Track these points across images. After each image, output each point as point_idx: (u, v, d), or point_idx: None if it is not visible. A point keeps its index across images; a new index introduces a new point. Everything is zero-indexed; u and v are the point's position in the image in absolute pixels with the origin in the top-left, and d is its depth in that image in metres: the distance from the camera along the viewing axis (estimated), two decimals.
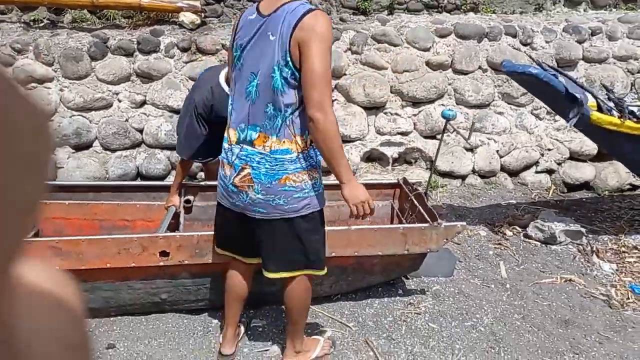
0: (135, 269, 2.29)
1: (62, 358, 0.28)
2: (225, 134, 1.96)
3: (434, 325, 2.55)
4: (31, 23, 4.47)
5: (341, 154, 1.82)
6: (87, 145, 4.11)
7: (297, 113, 1.80)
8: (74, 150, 4.08)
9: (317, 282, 2.53)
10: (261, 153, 1.83)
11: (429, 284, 2.89)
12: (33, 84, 4.00)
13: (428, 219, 2.54)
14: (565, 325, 2.58)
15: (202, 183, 3.06)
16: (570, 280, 2.97)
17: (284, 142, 1.81)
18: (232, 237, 2.11)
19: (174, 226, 2.78)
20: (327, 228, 2.19)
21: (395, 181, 3.15)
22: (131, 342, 2.34)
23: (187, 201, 2.91)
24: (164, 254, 2.28)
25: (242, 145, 1.87)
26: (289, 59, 1.71)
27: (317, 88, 1.68)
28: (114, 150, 4.11)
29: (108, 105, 4.12)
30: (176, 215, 2.84)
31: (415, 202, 2.75)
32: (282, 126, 1.80)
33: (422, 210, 2.65)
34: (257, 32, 1.79)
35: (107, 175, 4.03)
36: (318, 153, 1.89)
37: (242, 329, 2.41)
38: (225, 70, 2.53)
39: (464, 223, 2.69)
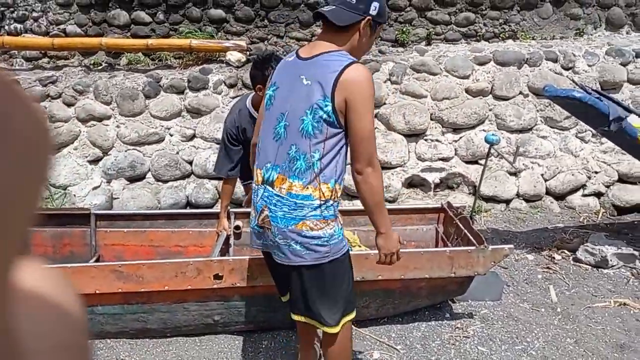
0: (191, 291, 2.41)
1: (60, 359, 0.28)
2: (254, 174, 1.94)
3: (484, 348, 2.52)
4: (91, 66, 4.84)
5: (383, 206, 1.83)
6: (141, 177, 4.34)
7: (325, 160, 1.75)
8: (128, 182, 4.32)
9: (364, 305, 2.57)
10: (278, 195, 1.79)
11: (477, 307, 2.87)
12: (93, 122, 4.30)
13: (475, 242, 2.54)
14: (620, 350, 2.50)
15: (250, 210, 3.17)
16: (624, 304, 2.88)
17: (307, 188, 1.76)
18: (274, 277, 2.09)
19: (224, 251, 2.89)
20: (372, 251, 2.23)
21: (439, 205, 3.17)
22: None
23: (237, 227, 3.03)
24: (217, 277, 2.39)
25: (265, 185, 1.84)
26: (329, 107, 1.70)
27: (366, 144, 1.72)
28: (165, 181, 4.33)
29: (160, 140, 4.36)
30: (226, 241, 2.96)
31: (461, 226, 2.76)
32: (308, 171, 1.75)
33: (468, 234, 2.65)
34: (292, 75, 1.80)
35: (159, 205, 4.23)
36: (338, 204, 1.86)
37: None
38: (253, 94, 2.75)
39: (512, 246, 2.67)
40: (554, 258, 3.43)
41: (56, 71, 4.65)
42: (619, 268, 3.26)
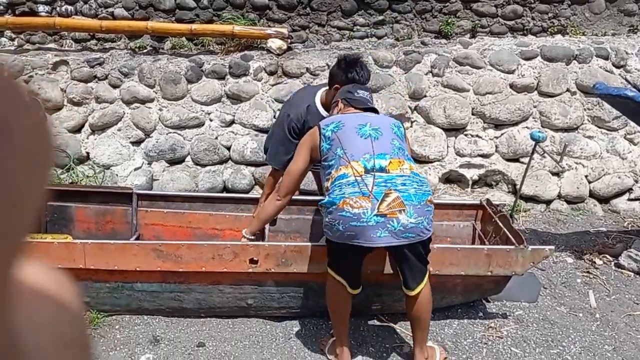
0: (227, 274, 2.45)
1: (61, 356, 0.28)
2: (343, 171, 2.09)
3: (517, 350, 2.48)
4: (136, 49, 4.94)
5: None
6: (181, 160, 4.43)
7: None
8: (168, 165, 4.41)
9: (397, 298, 2.55)
10: (403, 175, 2.05)
11: (511, 308, 2.81)
12: (137, 104, 4.40)
13: (514, 241, 2.49)
14: None
15: None
16: None
17: (418, 168, 2.30)
18: (352, 270, 2.21)
19: (259, 237, 2.93)
20: None
21: (478, 202, 3.11)
22: (219, 342, 2.49)
23: None
24: (253, 261, 2.42)
25: (374, 173, 2.04)
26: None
27: None
28: (204, 166, 4.40)
29: (200, 124, 4.43)
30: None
31: (500, 224, 2.70)
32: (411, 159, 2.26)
33: (507, 232, 2.59)
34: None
35: (197, 188, 4.31)
36: None
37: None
38: (321, 91, 2.71)
39: (552, 247, 2.60)
40: (594, 262, 3.32)
41: (103, 53, 4.77)
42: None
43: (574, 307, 2.84)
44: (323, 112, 2.68)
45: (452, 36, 4.97)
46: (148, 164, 4.39)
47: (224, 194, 3.94)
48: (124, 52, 4.85)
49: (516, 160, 4.28)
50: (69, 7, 5.09)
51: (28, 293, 0.28)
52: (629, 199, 4.24)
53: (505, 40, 4.72)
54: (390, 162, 2.03)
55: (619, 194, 4.23)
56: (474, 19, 5.01)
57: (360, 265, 2.21)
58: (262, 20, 5.01)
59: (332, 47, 4.88)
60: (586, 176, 4.23)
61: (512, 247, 2.45)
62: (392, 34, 5.07)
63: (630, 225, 3.98)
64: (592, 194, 4.24)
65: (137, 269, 2.40)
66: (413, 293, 2.18)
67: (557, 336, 2.58)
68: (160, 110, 4.41)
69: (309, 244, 2.46)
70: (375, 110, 2.37)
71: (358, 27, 5.07)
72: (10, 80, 0.22)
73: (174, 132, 4.41)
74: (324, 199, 2.11)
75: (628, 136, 4.30)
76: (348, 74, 2.53)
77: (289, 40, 4.79)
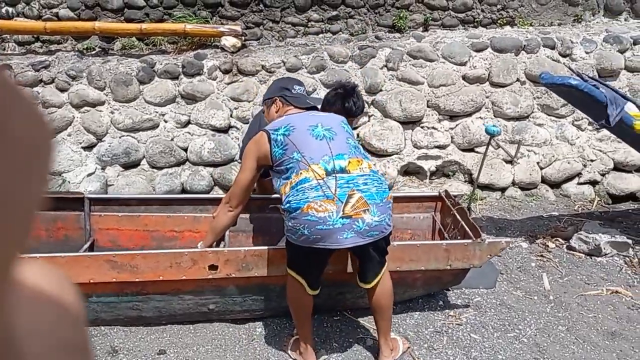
0: (186, 281, 2.40)
1: (59, 358, 0.28)
2: (304, 175, 2.08)
3: (476, 336, 2.54)
4: (84, 51, 4.78)
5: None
6: (136, 164, 4.32)
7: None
8: (123, 169, 4.30)
9: (360, 295, 2.57)
10: (363, 175, 2.07)
11: (470, 295, 2.88)
12: (87, 108, 4.26)
13: (471, 235, 2.54)
14: (612, 338, 2.52)
15: None
16: (616, 292, 2.90)
17: (375, 165, 2.31)
18: (314, 272, 2.21)
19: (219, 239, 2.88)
20: None
21: (437, 194, 3.16)
22: (180, 349, 2.44)
23: None
24: (212, 267, 2.38)
25: (336, 174, 2.05)
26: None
27: None
28: (160, 168, 4.30)
29: (155, 126, 4.33)
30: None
31: (458, 217, 2.76)
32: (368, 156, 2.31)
33: (465, 226, 2.65)
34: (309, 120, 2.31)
35: (155, 192, 4.21)
36: None
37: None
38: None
39: (509, 239, 2.67)
40: (548, 246, 3.44)
41: (49, 56, 4.60)
42: (612, 256, 3.28)
43: (529, 291, 2.94)
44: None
45: (405, 30, 5.03)
46: (102, 169, 4.26)
47: (181, 195, 3.87)
48: (71, 54, 4.68)
49: (471, 150, 4.38)
50: (10, 9, 4.87)
51: (28, 295, 0.28)
52: (579, 183, 4.41)
53: (457, 33, 4.81)
54: (350, 162, 2.03)
55: (569, 179, 4.40)
56: (426, 13, 5.08)
57: (324, 267, 2.21)
58: (214, 17, 4.93)
59: (287, 44, 4.86)
60: (538, 163, 4.38)
61: (470, 241, 2.50)
62: (346, 29, 5.09)
63: (580, 208, 4.15)
64: (544, 180, 4.39)
65: (91, 281, 2.32)
66: (370, 286, 2.22)
67: (514, 320, 2.66)
68: (112, 113, 4.29)
69: (269, 247, 2.44)
70: (316, 108, 2.36)
71: (312, 23, 5.06)
72: (7, 80, 0.22)
73: (127, 135, 4.29)
74: (285, 204, 2.09)
75: (576, 123, 4.47)
76: (345, 104, 2.53)
77: (243, 38, 4.74)
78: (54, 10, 4.88)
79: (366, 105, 4.32)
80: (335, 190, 1.96)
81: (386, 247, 2.21)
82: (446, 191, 3.11)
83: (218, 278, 2.41)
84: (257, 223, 3.11)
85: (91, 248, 2.90)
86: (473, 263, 2.53)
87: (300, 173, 2.06)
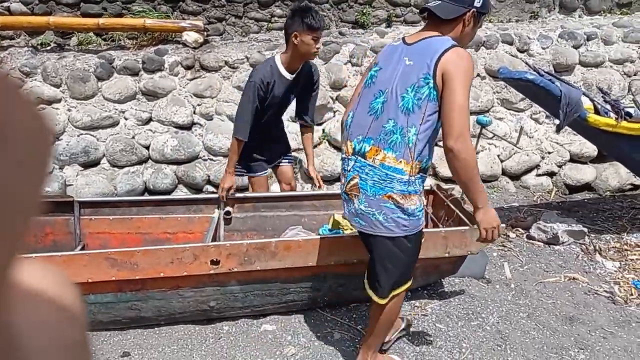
0: (187, 277, 2.34)
1: (59, 357, 0.28)
2: (343, 146, 2.05)
3: (441, 325, 2.59)
4: (39, 47, 4.61)
5: (477, 181, 1.84)
6: (95, 163, 4.20)
7: (420, 137, 1.83)
8: (82, 168, 4.17)
9: (359, 287, 2.57)
10: (371, 165, 1.90)
11: (435, 286, 2.93)
12: (42, 105, 4.11)
13: (467, 222, 2.58)
14: (570, 322, 2.61)
15: (241, 195, 3.12)
16: (573, 278, 3.01)
17: (400, 161, 1.84)
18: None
19: (214, 238, 2.79)
20: None
21: (429, 187, 3.19)
22: (145, 350, 2.39)
23: (227, 213, 2.99)
24: (214, 262, 2.34)
25: (357, 156, 1.95)
26: (431, 84, 1.79)
27: (457, 119, 1.75)
28: (121, 167, 4.20)
29: (115, 124, 4.22)
30: (216, 227, 2.89)
31: (452, 207, 2.80)
32: (403, 146, 1.84)
33: (460, 214, 2.69)
34: (396, 57, 1.92)
35: (116, 192, 4.11)
36: (423, 180, 1.94)
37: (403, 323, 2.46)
38: (278, 54, 2.78)
39: (503, 225, 2.71)
40: (508, 236, 3.54)
41: (1, 52, 4.41)
42: (569, 244, 3.40)
43: (491, 280, 3.01)
44: (285, 73, 2.73)
45: (368, 26, 5.06)
46: (59, 168, 4.13)
47: (174, 196, 3.79)
48: (24, 50, 4.51)
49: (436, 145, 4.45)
50: None
51: (27, 294, 0.28)
52: (537, 175, 4.55)
53: (419, 29, 4.87)
54: (371, 149, 1.92)
55: (528, 171, 4.53)
56: (389, 9, 5.13)
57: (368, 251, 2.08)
58: (175, 12, 4.84)
59: (251, 39, 4.82)
60: (498, 155, 4.49)
61: (467, 227, 2.54)
62: None
63: (539, 199, 4.28)
64: (504, 172, 4.51)
65: (89, 280, 2.23)
66: (374, 298, 2.04)
67: (477, 308, 2.72)
68: (69, 110, 4.16)
69: (271, 240, 2.42)
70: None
71: (276, 19, 5.04)
72: (6, 79, 0.22)
73: (86, 134, 4.17)
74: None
75: (534, 116, 4.61)
76: (304, 19, 2.56)
77: (205, 33, 4.67)
78: (5, 4, 4.69)
79: (330, 101, 4.33)
80: (350, 169, 1.98)
81: (392, 262, 1.96)
82: (438, 184, 3.15)
83: (220, 273, 2.36)
84: (252, 222, 3.08)
85: None
86: (471, 250, 2.57)
87: (346, 142, 2.03)
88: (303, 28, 2.57)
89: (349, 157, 1.99)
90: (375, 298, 2.03)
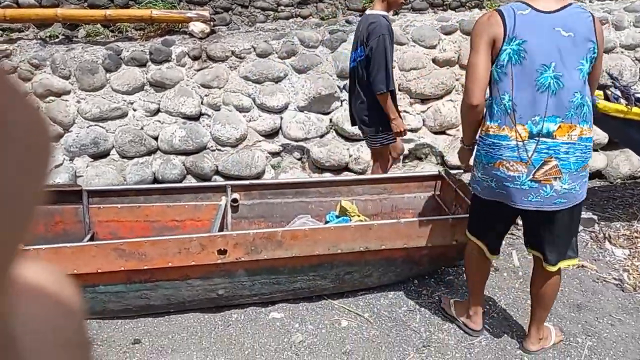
0: (195, 267, 2.37)
1: (60, 356, 0.28)
2: (507, 133, 1.91)
3: None
4: (47, 39, 4.64)
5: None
6: (105, 154, 4.24)
7: (589, 102, 1.93)
8: (92, 159, 4.21)
9: (367, 274, 2.60)
10: (568, 143, 1.87)
11: (442, 274, 2.94)
12: (51, 97, 4.15)
13: None
14: (577, 309, 2.61)
15: (247, 182, 3.16)
16: (582, 266, 3.00)
17: (591, 129, 1.93)
18: (495, 232, 2.22)
19: (222, 225, 2.81)
20: (376, 222, 2.46)
21: (437, 173, 3.21)
22: (155, 337, 2.43)
23: (234, 200, 3.02)
24: (221, 252, 2.36)
25: (538, 138, 1.87)
26: (596, 51, 1.88)
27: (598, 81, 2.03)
28: (130, 158, 4.24)
29: (123, 115, 4.25)
30: (224, 215, 2.92)
31: (460, 193, 2.80)
32: (589, 115, 1.91)
33: (467, 201, 2.68)
34: (543, 28, 1.86)
35: (125, 182, 4.15)
36: None
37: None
38: (375, 6, 3.00)
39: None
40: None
41: (10, 44, 4.45)
42: (579, 232, 3.37)
43: (499, 267, 3.01)
44: (389, 17, 2.98)
45: None
46: (69, 160, 4.17)
47: (181, 184, 3.82)
48: (33, 43, 4.54)
49: (443, 132, 4.43)
50: None
51: (27, 292, 0.28)
52: None
53: (427, 16, 4.83)
54: (560, 126, 1.85)
55: None
56: None
57: (505, 230, 2.21)
58: (181, 3, 4.84)
59: (257, 29, 4.81)
60: None
61: None
62: (316, 14, 5.06)
63: None
64: None
65: (99, 270, 2.27)
66: (554, 268, 2.08)
67: (485, 296, 2.72)
68: (79, 102, 4.19)
69: (278, 229, 2.44)
70: None
71: (282, 8, 5.02)
72: (5, 75, 0.22)
73: (95, 125, 4.20)
74: (476, 154, 2.06)
75: None
76: None
77: (212, 23, 4.67)
78: None
79: (337, 90, 4.32)
80: (532, 155, 1.88)
81: (573, 227, 2.05)
82: (446, 169, 3.16)
83: (227, 262, 2.39)
84: (259, 209, 3.10)
85: (91, 241, 2.84)
86: None
87: (503, 129, 1.92)
88: None
89: (524, 141, 1.88)
90: (560, 265, 2.08)
